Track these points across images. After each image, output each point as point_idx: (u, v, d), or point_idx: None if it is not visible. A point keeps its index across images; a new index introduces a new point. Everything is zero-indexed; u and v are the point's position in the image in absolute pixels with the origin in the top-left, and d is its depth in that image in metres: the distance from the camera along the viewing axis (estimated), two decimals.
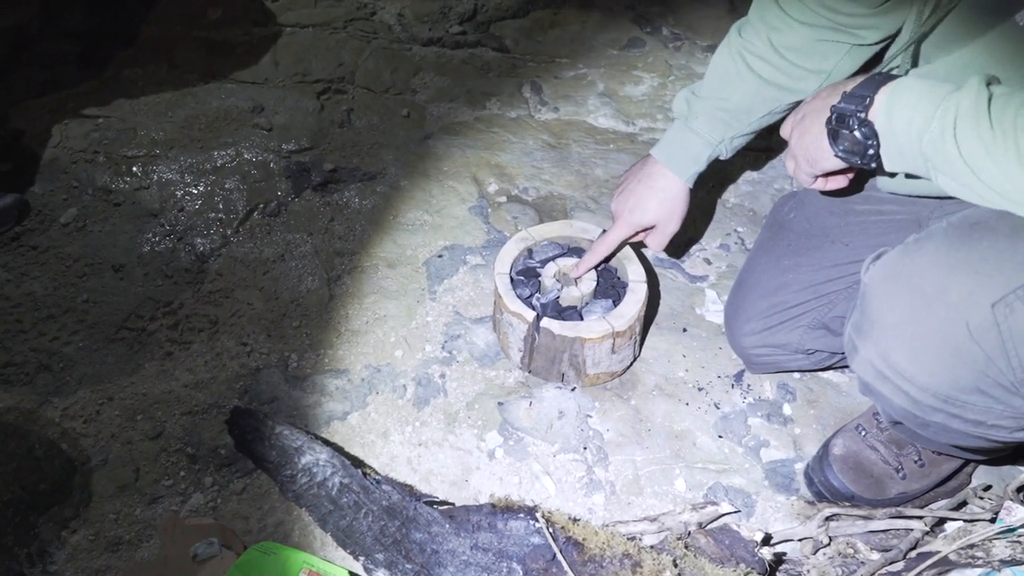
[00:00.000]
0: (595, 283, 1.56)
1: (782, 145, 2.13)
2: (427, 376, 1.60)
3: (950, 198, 1.19)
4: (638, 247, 1.63)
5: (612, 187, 2.01)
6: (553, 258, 1.61)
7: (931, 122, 0.92)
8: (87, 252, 1.79)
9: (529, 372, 1.59)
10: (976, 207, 1.10)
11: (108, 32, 2.38)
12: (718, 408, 1.56)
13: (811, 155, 1.14)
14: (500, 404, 1.54)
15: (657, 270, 1.82)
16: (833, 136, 1.08)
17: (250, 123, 2.13)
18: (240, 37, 2.43)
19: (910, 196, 1.28)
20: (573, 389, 1.57)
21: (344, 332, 1.67)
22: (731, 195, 2.01)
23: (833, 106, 1.06)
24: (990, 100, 0.88)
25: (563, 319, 1.51)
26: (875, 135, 1.01)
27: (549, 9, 2.58)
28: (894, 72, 1.16)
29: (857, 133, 1.02)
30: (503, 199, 1.97)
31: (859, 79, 1.06)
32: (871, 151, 1.02)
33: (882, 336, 1.03)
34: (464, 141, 2.12)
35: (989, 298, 0.94)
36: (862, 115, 1.01)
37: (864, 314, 1.06)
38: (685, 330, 1.70)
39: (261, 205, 1.92)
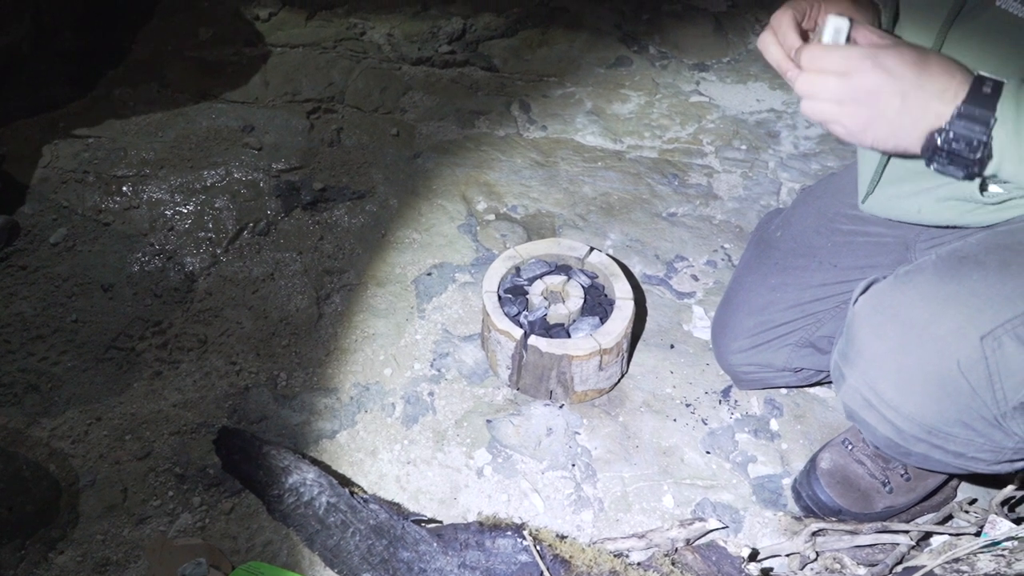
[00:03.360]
0: (582, 301, 1.57)
1: (765, 161, 2.15)
2: (416, 394, 1.60)
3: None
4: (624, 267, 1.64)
5: (600, 205, 2.02)
6: (541, 276, 1.62)
7: None
8: (76, 272, 1.79)
9: (517, 390, 1.60)
10: (964, 239, 1.11)
11: (99, 52, 2.40)
12: (705, 424, 1.57)
13: (875, 139, 0.94)
14: (488, 422, 1.55)
15: (644, 287, 1.83)
16: (933, 153, 0.92)
17: (240, 142, 2.14)
18: (230, 57, 2.44)
19: (891, 220, 1.29)
20: (561, 406, 1.58)
21: (333, 351, 1.68)
22: (717, 211, 2.03)
23: (941, 132, 0.89)
24: None
25: (550, 337, 1.51)
26: (991, 154, 0.89)
27: (537, 28, 2.61)
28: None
29: (976, 155, 0.89)
30: (491, 217, 1.98)
31: (949, 81, 0.89)
32: (978, 168, 0.91)
33: (870, 366, 1.04)
34: (453, 160, 2.13)
35: (978, 332, 0.95)
36: (985, 138, 0.88)
37: (852, 344, 1.07)
38: (672, 346, 1.71)
39: (251, 224, 1.93)
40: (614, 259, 1.67)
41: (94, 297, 1.75)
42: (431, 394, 1.60)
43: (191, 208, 1.95)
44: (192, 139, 2.14)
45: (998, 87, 0.87)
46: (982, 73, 0.88)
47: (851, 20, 0.95)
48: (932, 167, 0.92)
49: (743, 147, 2.21)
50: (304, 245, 1.89)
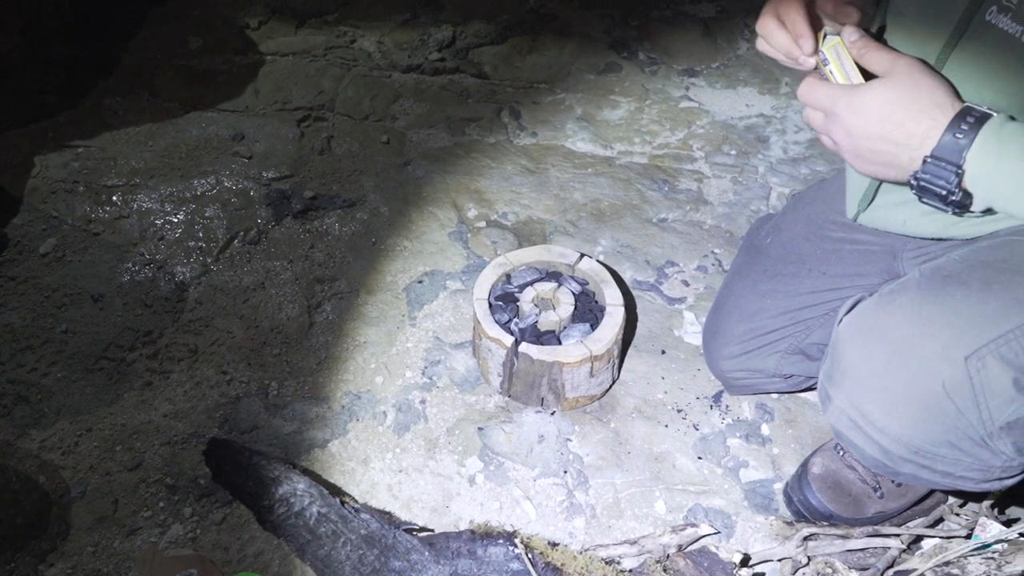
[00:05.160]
0: (573, 307, 1.58)
1: (755, 166, 2.16)
2: (407, 402, 1.60)
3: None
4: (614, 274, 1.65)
5: (591, 211, 2.03)
6: (531, 283, 1.63)
7: None
8: (66, 282, 1.79)
9: (509, 397, 1.60)
10: (949, 254, 1.12)
11: (89, 62, 2.39)
12: (697, 429, 1.57)
13: (861, 170, 1.02)
14: (480, 429, 1.55)
15: (635, 292, 1.83)
16: (914, 189, 0.97)
17: (230, 151, 2.14)
18: (221, 66, 2.44)
19: (878, 230, 1.30)
20: (553, 413, 1.58)
21: (324, 359, 1.68)
22: (708, 217, 2.03)
23: (917, 176, 0.94)
24: None
25: (541, 344, 1.52)
26: (970, 196, 0.93)
27: (527, 35, 2.61)
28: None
29: (954, 197, 0.93)
30: (482, 224, 1.98)
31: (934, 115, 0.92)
32: (961, 205, 0.94)
33: (855, 387, 1.04)
34: (443, 167, 2.14)
35: (962, 352, 0.95)
36: (956, 184, 0.92)
37: (837, 365, 1.07)
38: (664, 352, 1.71)
39: (241, 233, 1.93)
40: (605, 265, 1.68)
41: (84, 307, 1.74)
42: (423, 402, 1.60)
43: (181, 217, 1.95)
44: (182, 148, 2.14)
45: (978, 124, 0.89)
46: (969, 105, 0.90)
47: (839, 35, 0.97)
48: (921, 200, 0.96)
49: (733, 152, 2.22)
50: (295, 254, 1.89)
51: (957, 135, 0.89)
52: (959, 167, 0.91)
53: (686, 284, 1.87)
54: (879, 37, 1.11)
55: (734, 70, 2.54)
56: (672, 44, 2.61)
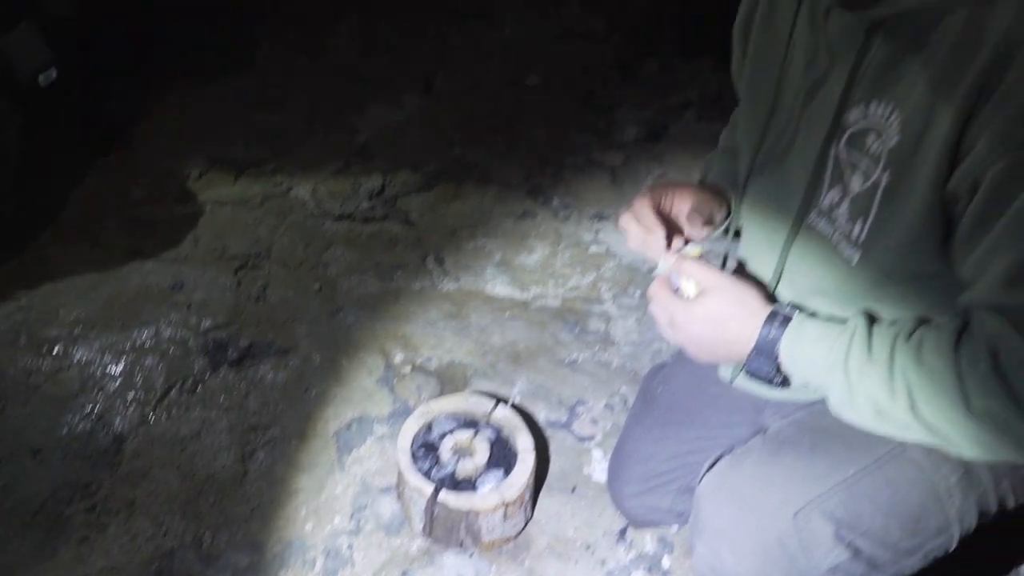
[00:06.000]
0: (488, 454, 1.73)
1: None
2: (335, 548, 1.71)
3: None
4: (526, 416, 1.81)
5: (508, 354, 2.21)
6: (450, 431, 1.78)
7: (832, 375, 1.08)
8: (6, 437, 1.87)
9: (431, 539, 1.73)
10: (793, 417, 1.35)
11: (32, 214, 2.52)
12: (603, 565, 1.72)
13: (708, 357, 1.23)
14: (404, 573, 1.67)
15: (548, 432, 2.00)
16: (749, 375, 1.19)
17: (170, 300, 2.27)
18: (162, 215, 2.60)
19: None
20: (471, 555, 1.71)
21: (257, 507, 1.78)
22: (615, 356, 2.24)
23: (748, 370, 1.17)
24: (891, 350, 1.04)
25: (459, 491, 1.66)
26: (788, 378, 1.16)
27: (452, 183, 2.85)
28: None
29: (776, 379, 1.16)
30: (408, 369, 2.14)
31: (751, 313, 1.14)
32: (781, 383, 1.17)
33: (712, 538, 1.24)
34: (372, 314, 2.31)
35: (792, 509, 1.16)
36: (776, 369, 1.14)
37: (698, 517, 1.28)
38: (574, 489, 1.87)
39: (179, 383, 2.05)
40: (519, 410, 1.85)
41: (23, 462, 1.82)
42: (350, 547, 1.72)
43: (121, 368, 2.06)
44: (123, 298, 2.26)
45: (785, 322, 1.12)
46: (776, 309, 1.14)
47: (686, 246, 1.21)
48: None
49: (637, 293, 2.45)
50: (230, 402, 2.01)
51: (770, 333, 1.13)
52: (775, 357, 1.13)
53: (595, 422, 2.05)
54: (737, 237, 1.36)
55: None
56: (583, 190, 2.88)
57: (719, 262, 1.43)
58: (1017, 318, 0.91)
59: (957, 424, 0.98)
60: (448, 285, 2.44)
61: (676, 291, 1.22)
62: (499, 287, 2.45)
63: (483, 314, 2.34)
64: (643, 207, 1.31)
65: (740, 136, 1.41)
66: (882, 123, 1.02)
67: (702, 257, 1.24)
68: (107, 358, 2.08)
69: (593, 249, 2.62)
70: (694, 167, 2.80)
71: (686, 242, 1.33)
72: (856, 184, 1.08)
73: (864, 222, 1.08)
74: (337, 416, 2.00)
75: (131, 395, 2.00)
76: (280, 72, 3.45)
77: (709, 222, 1.37)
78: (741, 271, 1.40)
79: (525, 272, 2.51)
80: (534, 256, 2.58)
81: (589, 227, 2.72)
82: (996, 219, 0.91)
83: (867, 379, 1.05)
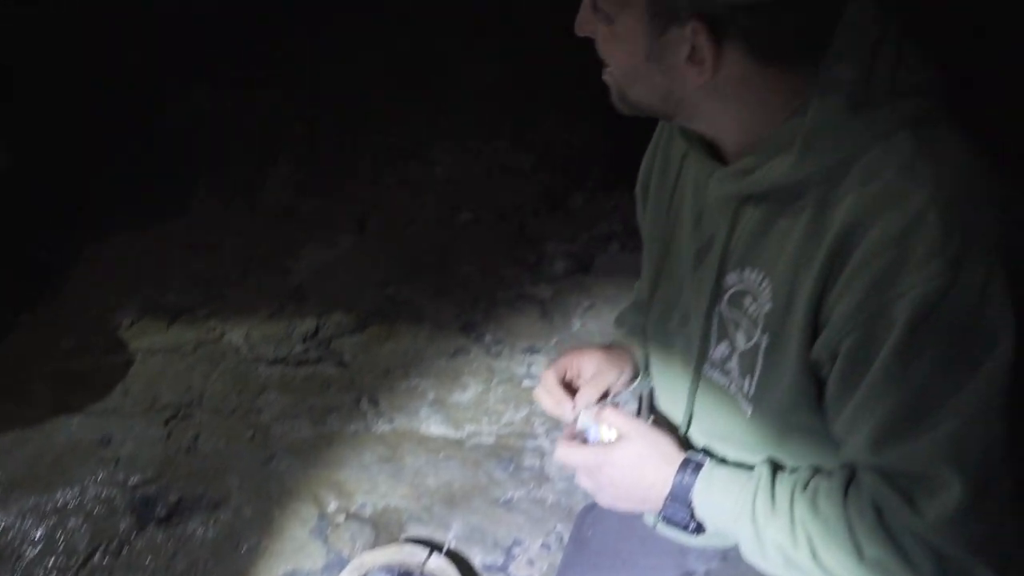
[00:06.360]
0: None
1: None
2: None
3: None
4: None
5: (443, 495, 2.22)
6: None
7: (741, 523, 1.13)
8: None
9: None
10: (707, 565, 1.40)
11: None
12: None
13: (625, 503, 1.27)
14: None
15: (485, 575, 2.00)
16: (665, 521, 1.24)
17: (97, 456, 2.23)
18: (92, 366, 2.58)
19: None
20: None
21: None
22: (549, 493, 2.26)
23: (664, 516, 1.21)
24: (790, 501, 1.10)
25: None
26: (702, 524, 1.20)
27: (384, 323, 2.91)
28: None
29: (691, 526, 1.20)
30: (342, 517, 2.13)
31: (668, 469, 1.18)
32: (696, 529, 1.21)
33: None
34: (305, 460, 2.30)
35: None
36: (690, 516, 1.18)
37: None
38: None
39: (103, 545, 1.99)
40: (455, 555, 1.85)
41: None
42: None
43: (42, 532, 2.00)
44: (48, 456, 2.22)
45: (697, 469, 1.17)
46: (688, 456, 1.19)
47: (593, 408, 1.28)
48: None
49: None
50: (157, 564, 1.96)
51: (683, 480, 1.17)
52: (689, 503, 1.17)
53: (531, 563, 2.05)
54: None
55: (569, 347, 2.89)
56: (514, 325, 2.96)
57: (635, 407, 1.51)
58: (890, 475, 0.99)
59: (855, 572, 1.04)
60: (382, 427, 2.46)
61: (586, 442, 1.28)
62: (433, 427, 2.47)
63: (417, 455, 2.35)
64: (549, 380, 1.39)
65: (643, 287, 1.51)
66: (756, 288, 1.12)
67: (618, 406, 1.32)
68: (28, 522, 2.02)
69: (526, 384, 2.68)
70: (621, 298, 2.92)
71: (605, 396, 1.41)
72: (741, 342, 1.17)
73: (752, 378, 1.17)
74: (269, 572, 1.97)
75: (51, 561, 1.94)
76: (215, 215, 3.52)
77: (619, 380, 1.46)
78: (659, 420, 1.47)
79: (459, 410, 2.55)
80: (468, 393, 2.62)
81: (521, 361, 2.79)
82: (855, 387, 0.99)
83: (772, 528, 1.11)
